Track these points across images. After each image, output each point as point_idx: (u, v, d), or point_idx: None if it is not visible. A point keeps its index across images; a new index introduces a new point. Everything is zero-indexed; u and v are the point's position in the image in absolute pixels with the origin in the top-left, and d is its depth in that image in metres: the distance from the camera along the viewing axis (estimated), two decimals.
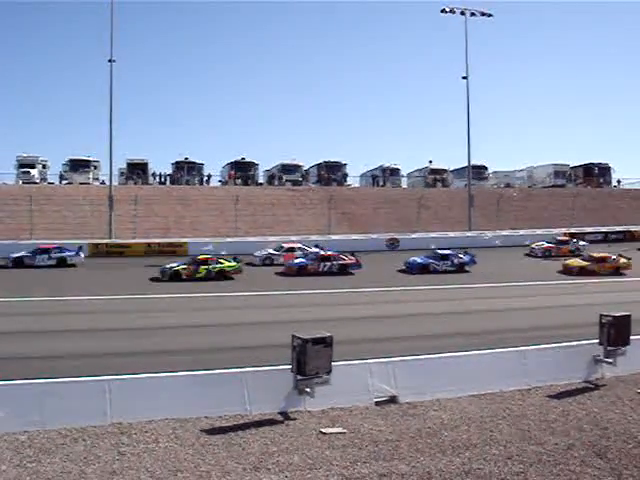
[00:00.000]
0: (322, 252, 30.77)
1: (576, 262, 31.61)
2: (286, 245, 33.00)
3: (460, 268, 30.98)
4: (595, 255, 31.74)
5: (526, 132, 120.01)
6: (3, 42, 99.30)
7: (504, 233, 41.11)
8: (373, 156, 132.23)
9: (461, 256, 31.23)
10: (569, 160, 55.19)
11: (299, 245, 32.95)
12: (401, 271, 30.76)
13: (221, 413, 11.70)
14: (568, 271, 30.86)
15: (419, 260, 30.84)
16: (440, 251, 31.68)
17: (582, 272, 30.37)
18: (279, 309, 21.71)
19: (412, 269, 30.43)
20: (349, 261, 29.87)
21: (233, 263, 28.32)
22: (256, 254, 32.15)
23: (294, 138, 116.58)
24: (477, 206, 42.79)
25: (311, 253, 31.30)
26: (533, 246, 37.13)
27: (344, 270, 29.63)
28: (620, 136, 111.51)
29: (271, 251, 32.48)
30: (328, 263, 29.58)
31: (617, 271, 30.77)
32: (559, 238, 38.05)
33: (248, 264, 30.26)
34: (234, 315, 20.79)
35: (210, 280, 27.24)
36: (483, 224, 42.33)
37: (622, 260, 31.13)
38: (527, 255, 36.84)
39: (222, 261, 28.32)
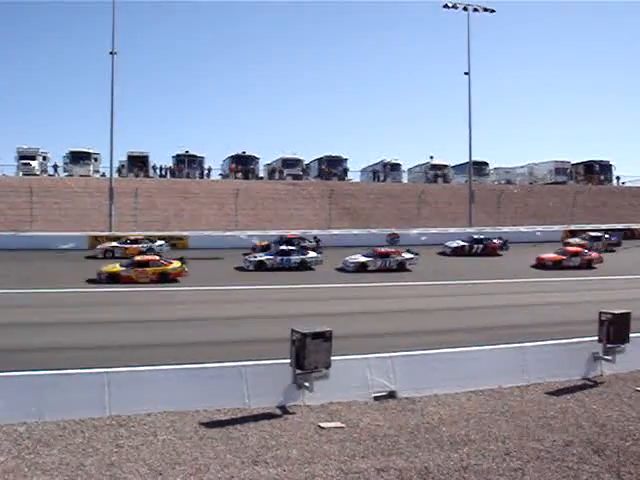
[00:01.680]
0: None
1: (112, 267, 25.53)
2: None
3: None
4: (139, 259, 26.07)
5: (528, 129, 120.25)
6: (4, 34, 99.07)
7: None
8: (374, 151, 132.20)
9: None
10: (570, 157, 55.32)
11: None
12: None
13: (220, 406, 11.73)
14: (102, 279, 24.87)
15: None
16: None
17: (116, 279, 24.63)
18: None
19: None
20: None
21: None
22: None
23: (295, 132, 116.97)
24: (478, 202, 42.74)
25: None
26: (98, 247, 31.63)
27: None
28: (622, 134, 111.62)
29: None
30: None
31: (164, 278, 25.16)
32: (132, 237, 32.31)
33: None
34: None
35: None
36: (484, 220, 42.27)
37: (175, 264, 25.77)
38: (88, 257, 30.72)
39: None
